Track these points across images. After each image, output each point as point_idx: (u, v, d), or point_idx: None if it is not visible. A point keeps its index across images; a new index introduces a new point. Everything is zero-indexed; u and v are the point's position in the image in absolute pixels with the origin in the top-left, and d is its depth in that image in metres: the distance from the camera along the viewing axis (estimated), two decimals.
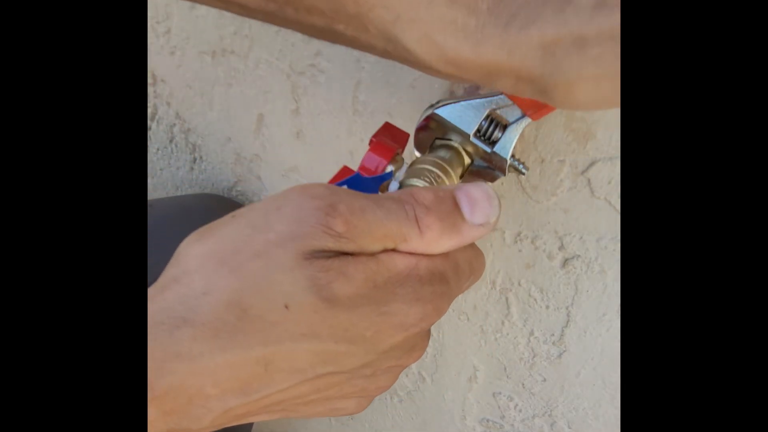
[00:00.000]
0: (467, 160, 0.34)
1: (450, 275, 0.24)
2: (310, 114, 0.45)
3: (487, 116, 0.33)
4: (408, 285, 0.23)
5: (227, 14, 0.44)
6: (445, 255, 0.24)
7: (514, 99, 0.32)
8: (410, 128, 0.34)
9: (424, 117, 0.34)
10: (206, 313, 0.21)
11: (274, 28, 0.42)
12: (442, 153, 0.33)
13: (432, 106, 0.34)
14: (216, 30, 0.45)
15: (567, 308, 0.45)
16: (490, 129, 0.33)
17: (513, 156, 0.34)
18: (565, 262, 0.42)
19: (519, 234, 0.43)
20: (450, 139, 0.33)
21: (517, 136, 0.33)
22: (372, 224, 0.22)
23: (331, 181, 0.28)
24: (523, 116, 0.32)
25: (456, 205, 0.24)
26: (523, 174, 0.35)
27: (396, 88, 0.40)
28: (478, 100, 0.32)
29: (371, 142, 0.31)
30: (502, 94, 0.32)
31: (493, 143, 0.33)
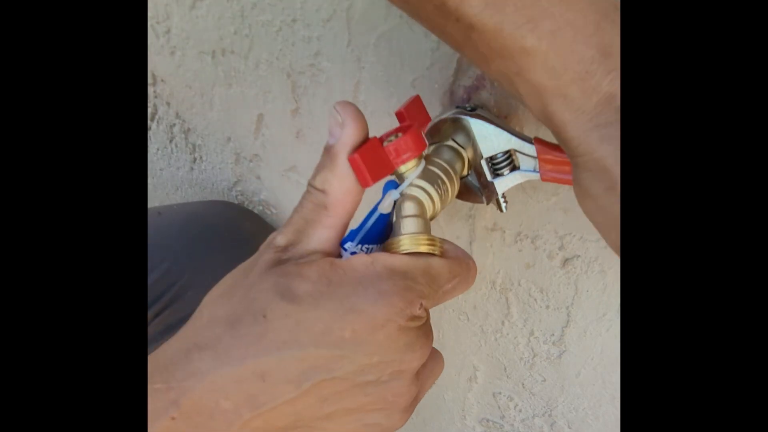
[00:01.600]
0: (465, 173, 0.35)
1: (416, 273, 0.26)
2: (310, 114, 0.45)
3: (507, 151, 0.34)
4: (365, 281, 0.25)
5: (227, 14, 0.44)
6: (411, 255, 0.27)
7: (544, 158, 0.32)
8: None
9: (453, 114, 0.34)
10: (208, 336, 0.25)
11: (275, 28, 0.42)
12: (454, 162, 0.33)
13: (465, 108, 0.34)
14: (216, 30, 0.45)
15: (567, 308, 0.45)
16: (503, 163, 0.34)
17: (503, 194, 0.35)
18: (565, 262, 0.42)
19: (519, 234, 0.43)
20: (462, 147, 0.34)
21: (518, 183, 0.34)
22: (298, 222, 0.27)
23: (359, 152, 0.26)
24: (535, 171, 0.33)
25: (325, 147, 0.28)
26: (502, 212, 0.36)
27: (396, 88, 0.40)
28: (508, 134, 0.33)
29: (409, 125, 0.29)
30: (533, 142, 0.33)
31: (496, 175, 0.34)
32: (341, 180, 0.27)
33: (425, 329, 0.27)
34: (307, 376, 0.24)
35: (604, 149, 0.25)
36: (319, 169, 0.28)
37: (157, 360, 0.25)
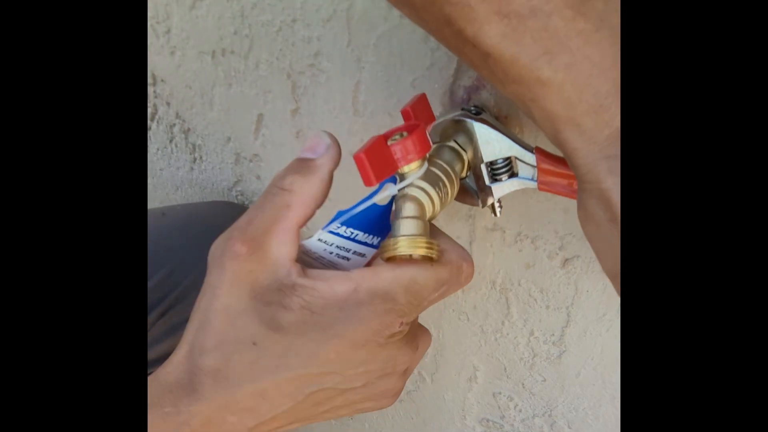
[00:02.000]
0: (464, 174, 0.35)
1: (398, 292, 0.27)
2: (310, 114, 0.45)
3: (507, 158, 0.34)
4: (347, 308, 0.26)
5: (227, 14, 0.44)
6: (394, 273, 0.27)
7: (543, 168, 0.33)
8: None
9: (458, 115, 0.34)
10: (205, 363, 0.26)
11: (275, 28, 0.42)
12: (455, 163, 0.33)
13: (469, 111, 0.34)
14: (216, 30, 0.45)
15: (567, 308, 0.45)
16: (502, 169, 0.34)
17: (499, 199, 0.36)
18: (566, 262, 0.42)
19: (519, 234, 0.43)
20: (463, 149, 0.34)
21: (515, 189, 0.35)
22: (258, 225, 0.27)
23: (365, 151, 0.26)
24: (532, 179, 0.34)
25: (300, 157, 0.29)
26: (496, 216, 0.37)
27: (396, 88, 0.40)
28: (510, 141, 0.33)
29: (415, 125, 0.29)
30: (534, 151, 0.33)
31: (494, 180, 0.35)
32: (311, 186, 0.28)
33: (409, 336, 0.29)
34: (301, 390, 0.27)
35: (612, 181, 0.26)
36: (288, 172, 0.29)
37: (163, 382, 0.27)
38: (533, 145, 0.33)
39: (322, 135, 0.30)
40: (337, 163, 0.29)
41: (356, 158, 0.26)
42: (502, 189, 0.35)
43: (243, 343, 0.26)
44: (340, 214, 0.29)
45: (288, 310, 0.26)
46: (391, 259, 0.28)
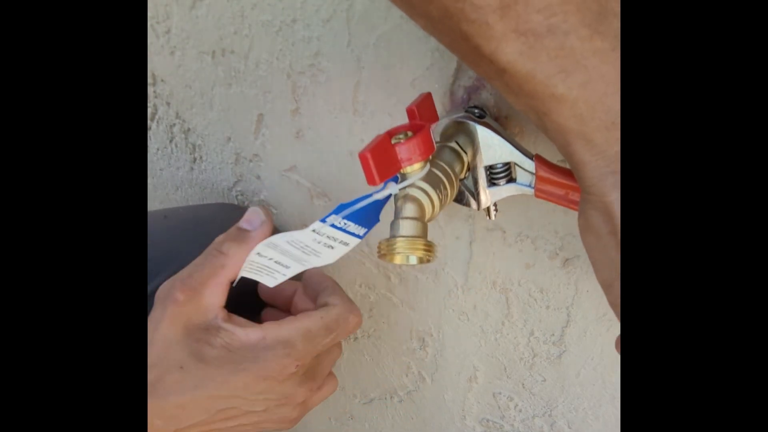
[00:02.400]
0: (463, 176, 0.35)
1: (297, 340, 0.35)
2: (310, 114, 0.45)
3: (507, 163, 0.34)
4: (256, 351, 0.34)
5: (227, 14, 0.44)
6: (294, 325, 0.35)
7: (541, 176, 0.33)
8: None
9: (462, 117, 0.34)
10: (150, 383, 0.33)
11: (274, 28, 0.42)
12: (455, 164, 0.33)
13: (473, 114, 0.35)
14: (216, 30, 0.45)
15: (567, 308, 0.45)
16: (501, 174, 0.35)
17: (495, 203, 0.36)
18: (566, 262, 0.42)
19: (519, 234, 0.43)
20: (464, 151, 0.34)
21: (511, 194, 0.35)
22: (196, 279, 0.35)
23: (371, 150, 0.27)
24: (530, 186, 0.34)
25: (238, 227, 0.36)
26: (491, 219, 0.38)
27: (396, 88, 0.40)
28: (511, 147, 0.34)
29: (420, 126, 0.29)
30: (533, 159, 0.33)
31: (492, 184, 0.35)
32: (243, 252, 0.35)
33: (306, 375, 0.37)
34: (213, 407, 0.34)
35: (616, 196, 0.26)
36: (227, 238, 0.36)
37: None
38: (533, 152, 0.33)
39: (258, 211, 0.36)
40: (268, 235, 0.35)
41: (361, 157, 0.27)
42: (499, 193, 0.35)
43: (173, 366, 0.33)
44: (341, 207, 0.30)
45: (211, 347, 0.34)
46: (383, 258, 0.29)
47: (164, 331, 0.34)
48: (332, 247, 0.32)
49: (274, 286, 0.36)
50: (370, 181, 0.27)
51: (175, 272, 0.36)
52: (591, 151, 0.26)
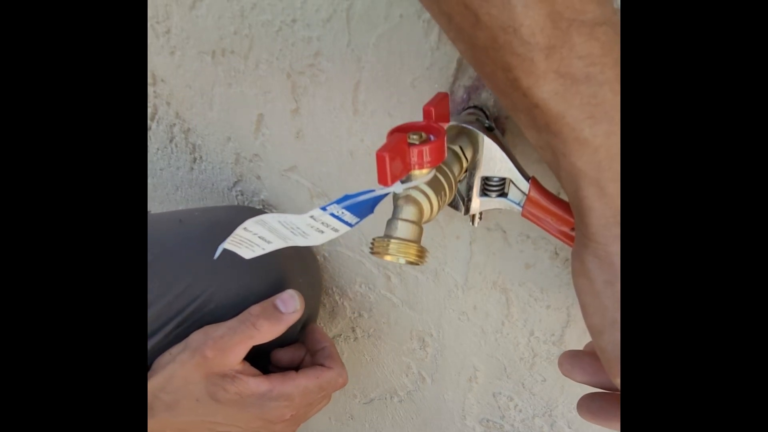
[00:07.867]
0: (461, 179, 0.36)
1: (295, 395, 0.43)
2: (310, 114, 0.45)
3: (503, 178, 0.35)
4: (262, 400, 0.42)
5: (227, 14, 0.44)
6: (296, 382, 0.43)
7: (532, 198, 0.34)
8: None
9: (472, 125, 0.35)
10: (162, 399, 0.42)
11: (274, 28, 0.42)
12: (454, 168, 0.33)
13: (483, 123, 0.35)
14: (216, 30, 0.45)
15: (567, 308, 0.45)
16: (494, 186, 0.35)
17: (481, 213, 0.37)
18: (566, 262, 0.42)
19: (520, 234, 0.43)
20: (465, 157, 0.34)
21: (499, 208, 0.36)
22: (227, 342, 0.41)
23: (389, 150, 0.27)
24: (519, 204, 0.35)
25: (275, 305, 0.43)
26: (473, 226, 0.39)
27: (396, 88, 0.40)
28: (512, 164, 0.34)
29: (437, 130, 0.29)
30: (529, 180, 0.34)
31: (484, 194, 0.36)
32: (274, 331, 0.42)
33: (294, 419, 0.45)
34: (215, 429, 0.43)
35: (617, 247, 0.27)
36: (264, 316, 0.42)
37: None
38: (530, 174, 0.34)
39: (295, 297, 0.43)
40: (296, 320, 0.43)
41: (378, 157, 0.27)
42: (488, 204, 0.36)
43: (190, 397, 0.41)
44: (345, 197, 0.30)
45: (226, 392, 0.41)
46: (374, 254, 0.29)
47: (187, 372, 0.41)
48: (322, 232, 0.32)
49: (249, 258, 0.36)
50: (383, 181, 0.27)
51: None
52: (601, 199, 0.27)
